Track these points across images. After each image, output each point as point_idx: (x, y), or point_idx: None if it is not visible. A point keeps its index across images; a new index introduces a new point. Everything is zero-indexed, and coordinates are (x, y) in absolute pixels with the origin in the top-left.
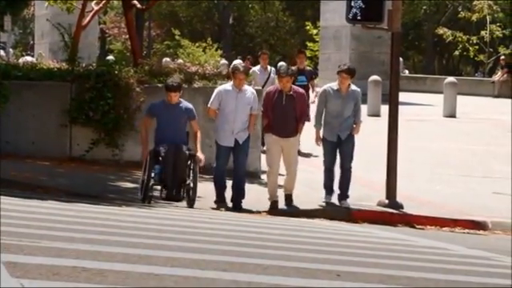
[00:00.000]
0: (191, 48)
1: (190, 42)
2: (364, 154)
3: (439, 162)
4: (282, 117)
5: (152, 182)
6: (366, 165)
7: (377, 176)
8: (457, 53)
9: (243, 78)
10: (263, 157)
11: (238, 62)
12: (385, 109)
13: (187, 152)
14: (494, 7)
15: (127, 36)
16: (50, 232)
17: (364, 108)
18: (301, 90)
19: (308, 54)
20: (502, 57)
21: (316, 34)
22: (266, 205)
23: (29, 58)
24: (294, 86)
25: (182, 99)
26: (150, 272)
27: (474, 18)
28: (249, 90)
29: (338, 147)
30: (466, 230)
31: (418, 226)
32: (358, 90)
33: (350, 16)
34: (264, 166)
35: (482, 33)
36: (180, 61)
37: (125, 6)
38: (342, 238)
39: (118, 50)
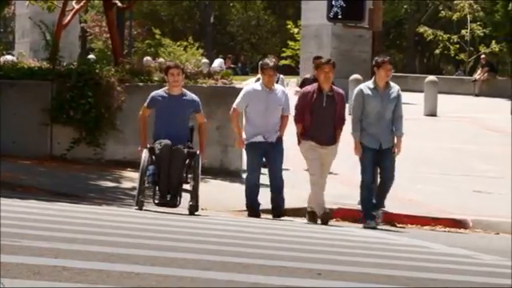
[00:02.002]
0: (172, 47)
1: (171, 40)
2: (345, 152)
3: (420, 160)
4: (322, 121)
5: (145, 184)
6: (347, 163)
7: (358, 175)
8: (438, 52)
9: (273, 74)
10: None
11: (219, 61)
12: None
13: (185, 150)
14: (475, 6)
15: (108, 35)
16: (31, 231)
17: (346, 107)
18: (340, 90)
19: (289, 52)
20: (483, 55)
21: (297, 33)
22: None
23: (9, 57)
24: (333, 86)
25: (186, 90)
26: (131, 271)
27: (455, 17)
28: (279, 89)
29: (378, 157)
30: (447, 229)
31: (398, 225)
32: (398, 86)
33: (331, 15)
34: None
35: (463, 32)
36: (161, 60)
37: (105, 5)
38: (323, 236)
39: (99, 49)
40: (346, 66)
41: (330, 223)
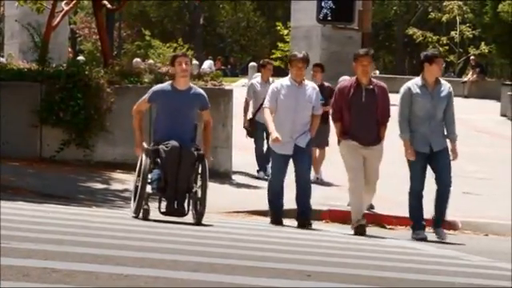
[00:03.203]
0: (162, 48)
1: (160, 42)
2: (334, 153)
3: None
4: (362, 118)
5: (149, 190)
6: (338, 164)
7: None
8: None
9: (302, 66)
10: (235, 158)
11: (209, 62)
12: None
13: (195, 152)
14: (464, 8)
15: (97, 36)
16: (20, 233)
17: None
18: (382, 84)
19: (279, 54)
20: (472, 57)
21: (287, 35)
22: (239, 206)
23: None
24: (373, 79)
25: (192, 85)
26: (120, 273)
27: (444, 18)
28: (309, 85)
29: (430, 162)
30: None
31: (388, 227)
32: (449, 84)
33: (321, 16)
34: (237, 166)
35: (452, 33)
36: (150, 61)
37: (95, 7)
38: (313, 238)
39: (89, 51)
40: (335, 68)
41: (318, 224)
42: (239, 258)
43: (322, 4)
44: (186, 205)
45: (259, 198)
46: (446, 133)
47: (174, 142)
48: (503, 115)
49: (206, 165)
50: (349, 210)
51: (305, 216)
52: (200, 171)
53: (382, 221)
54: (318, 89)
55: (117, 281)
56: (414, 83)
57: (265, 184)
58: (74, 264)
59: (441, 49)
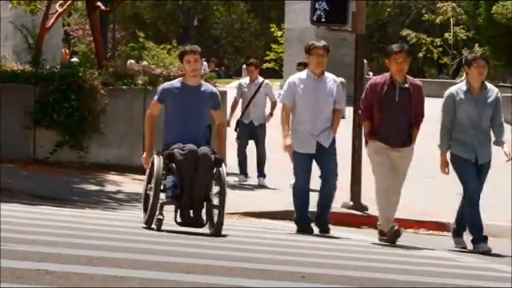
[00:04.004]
0: (156, 50)
1: (154, 44)
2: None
3: None
4: (394, 118)
5: (163, 199)
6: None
7: (341, 178)
8: (421, 55)
9: (324, 54)
10: (228, 159)
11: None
12: (349, 111)
13: (213, 157)
14: (458, 10)
15: (91, 38)
16: (14, 235)
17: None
18: (418, 81)
19: (273, 55)
20: None
21: (281, 36)
22: (233, 207)
23: None
24: (409, 77)
25: (204, 82)
26: (115, 274)
27: (438, 20)
28: (330, 78)
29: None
30: (430, 232)
31: None
32: (497, 89)
33: (315, 18)
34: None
35: (446, 35)
36: (144, 63)
37: (89, 8)
38: (306, 239)
39: (83, 52)
40: (329, 70)
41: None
42: (232, 259)
43: (316, 6)
44: (203, 214)
45: (253, 199)
46: (493, 139)
47: (191, 146)
48: None
49: (224, 170)
50: (343, 211)
51: (325, 221)
52: (217, 177)
53: (376, 223)
54: (338, 81)
55: (111, 282)
56: (458, 88)
57: (252, 183)
58: (68, 266)
59: (434, 50)
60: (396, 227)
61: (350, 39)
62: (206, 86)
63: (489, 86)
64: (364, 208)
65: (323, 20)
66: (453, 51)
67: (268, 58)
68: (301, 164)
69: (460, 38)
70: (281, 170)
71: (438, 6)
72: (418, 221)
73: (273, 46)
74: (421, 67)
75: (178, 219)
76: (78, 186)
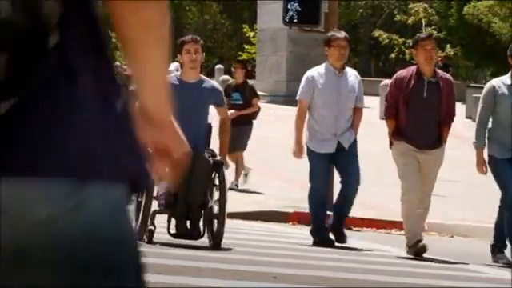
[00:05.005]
0: None
1: None
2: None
3: (375, 164)
4: (422, 117)
5: (155, 207)
6: (303, 167)
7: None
8: (393, 55)
9: (346, 45)
10: None
11: (175, 64)
12: None
13: (211, 159)
14: (430, 10)
15: None
16: None
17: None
18: (448, 76)
19: (245, 56)
20: (440, 58)
21: (253, 37)
22: None
23: None
24: (438, 70)
25: (204, 76)
26: None
27: (410, 21)
28: (351, 73)
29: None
30: (403, 232)
31: (354, 228)
32: None
33: (287, 19)
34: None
35: None
36: (117, 63)
37: None
38: (279, 240)
39: None
40: (301, 70)
41: (285, 226)
42: (204, 260)
43: (289, 6)
44: (200, 224)
45: (238, 200)
46: None
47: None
48: (468, 117)
49: (225, 174)
50: None
51: (341, 228)
52: (216, 182)
53: (348, 223)
54: (360, 78)
55: None
56: (500, 80)
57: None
58: None
59: (406, 51)
60: (422, 243)
61: (322, 40)
62: (207, 82)
63: None
64: None
65: (295, 21)
66: None
67: (240, 58)
68: (320, 164)
69: None
70: (253, 172)
71: (409, 6)
72: (391, 221)
73: (245, 46)
74: (393, 68)
75: (172, 230)
76: None
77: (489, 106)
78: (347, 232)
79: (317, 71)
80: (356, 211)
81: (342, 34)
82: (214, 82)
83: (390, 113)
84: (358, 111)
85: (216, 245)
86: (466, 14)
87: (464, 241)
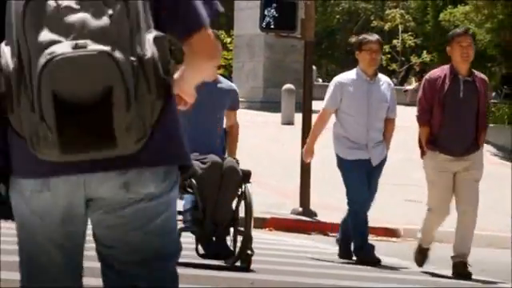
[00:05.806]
0: None
1: None
2: (278, 162)
3: None
4: (458, 120)
5: (180, 225)
6: (279, 172)
7: (291, 184)
8: None
9: (378, 50)
10: None
11: None
12: (298, 117)
13: (240, 170)
14: (406, 16)
15: None
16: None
17: (278, 116)
18: (483, 76)
19: (222, 62)
20: (417, 64)
21: (230, 43)
22: None
23: None
24: (472, 69)
25: (221, 77)
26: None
27: (387, 27)
28: (384, 80)
29: None
30: (379, 238)
31: (331, 234)
32: None
33: (264, 25)
34: None
35: (394, 42)
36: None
37: None
38: (256, 246)
39: None
40: (278, 76)
41: (262, 232)
42: (180, 266)
43: (265, 12)
44: (227, 242)
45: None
46: None
47: (213, 157)
48: None
49: (250, 186)
50: (293, 217)
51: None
52: (242, 195)
53: (325, 228)
54: (393, 85)
55: None
56: None
57: None
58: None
59: (383, 57)
60: (429, 246)
61: (298, 46)
62: (224, 82)
63: None
64: (313, 214)
65: (272, 27)
66: (401, 58)
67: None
68: (356, 174)
69: (408, 45)
70: None
71: (386, 12)
72: (386, 228)
73: (222, 52)
74: None
75: (201, 250)
76: None
77: None
78: (324, 238)
79: (346, 77)
80: (334, 217)
81: (375, 36)
82: (231, 83)
83: (425, 118)
84: (390, 122)
85: (248, 265)
86: (442, 20)
87: (441, 246)
